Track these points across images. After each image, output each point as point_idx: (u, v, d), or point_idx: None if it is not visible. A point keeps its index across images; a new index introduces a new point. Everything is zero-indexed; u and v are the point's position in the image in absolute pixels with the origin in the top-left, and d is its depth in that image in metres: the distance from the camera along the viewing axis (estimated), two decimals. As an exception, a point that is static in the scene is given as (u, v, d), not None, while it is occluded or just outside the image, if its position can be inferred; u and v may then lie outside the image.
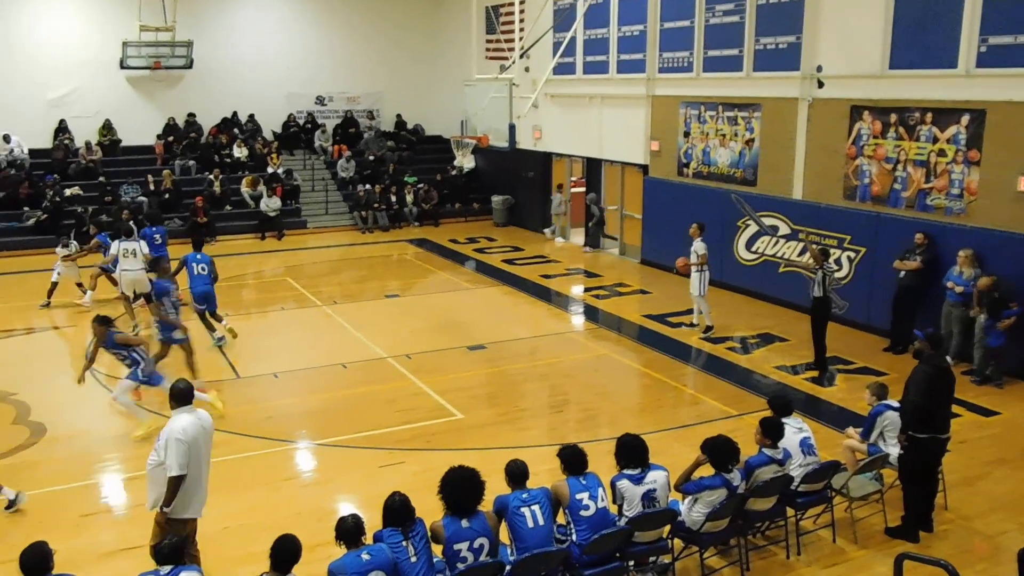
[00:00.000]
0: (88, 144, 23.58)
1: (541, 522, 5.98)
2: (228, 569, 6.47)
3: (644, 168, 18.91)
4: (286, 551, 5.24)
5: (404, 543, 5.50)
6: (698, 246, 13.76)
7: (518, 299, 16.59)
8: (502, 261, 19.79)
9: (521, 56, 19.37)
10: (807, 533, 7.62)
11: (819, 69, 14.49)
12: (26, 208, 21.45)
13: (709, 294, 14.05)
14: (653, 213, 18.70)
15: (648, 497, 6.36)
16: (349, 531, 5.43)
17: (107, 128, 24.30)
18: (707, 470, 6.75)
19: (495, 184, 25.12)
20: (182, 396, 6.38)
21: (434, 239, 22.52)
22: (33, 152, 23.03)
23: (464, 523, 5.69)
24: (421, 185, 24.92)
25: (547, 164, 22.73)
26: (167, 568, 5.17)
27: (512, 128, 15.14)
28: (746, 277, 16.14)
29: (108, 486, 8.87)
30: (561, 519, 6.28)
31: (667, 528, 6.69)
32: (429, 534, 5.68)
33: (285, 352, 13.34)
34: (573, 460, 6.33)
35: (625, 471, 6.44)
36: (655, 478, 6.43)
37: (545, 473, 7.53)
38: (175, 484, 6.11)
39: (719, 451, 6.69)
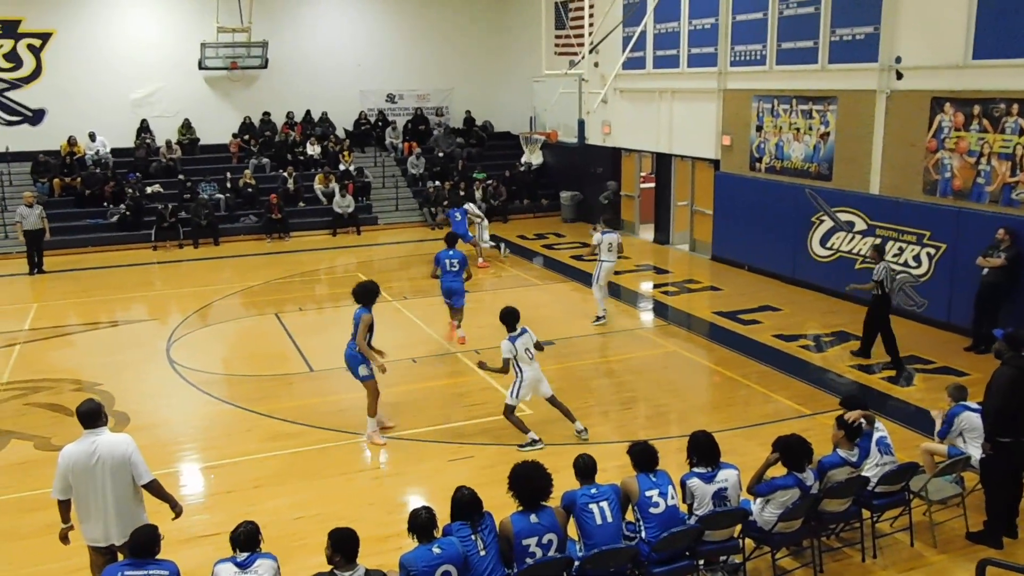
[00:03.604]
0: (168, 143, 24.33)
1: (609, 519, 5.97)
2: (302, 557, 6.61)
3: (715, 163, 18.66)
4: (344, 542, 5.29)
5: (473, 537, 5.55)
6: (595, 238, 14.09)
7: (586, 295, 16.51)
8: (570, 257, 19.75)
9: (591, 51, 19.30)
10: (884, 536, 7.44)
11: (898, 60, 14.09)
12: (109, 205, 22.21)
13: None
14: (724, 209, 18.45)
15: (719, 496, 6.30)
16: (422, 524, 5.50)
17: (186, 127, 25.01)
18: (779, 470, 6.64)
19: (563, 180, 25.08)
20: (84, 418, 6.06)
21: (502, 235, 22.56)
22: (116, 151, 23.85)
23: (533, 518, 5.71)
24: (490, 181, 25.03)
25: (616, 160, 22.59)
26: (244, 555, 5.33)
27: (581, 124, 15.12)
28: (820, 274, 15.80)
29: (187, 474, 9.15)
30: (630, 516, 6.26)
31: (738, 527, 6.60)
32: (498, 528, 5.72)
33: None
34: (643, 457, 6.30)
35: (696, 469, 6.39)
36: (726, 477, 6.35)
37: (613, 469, 7.51)
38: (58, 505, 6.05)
39: (792, 450, 6.58)
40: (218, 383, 11.95)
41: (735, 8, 17.57)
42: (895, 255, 14.14)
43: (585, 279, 17.55)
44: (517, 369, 9.49)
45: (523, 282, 17.96)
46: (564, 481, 6.22)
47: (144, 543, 5.30)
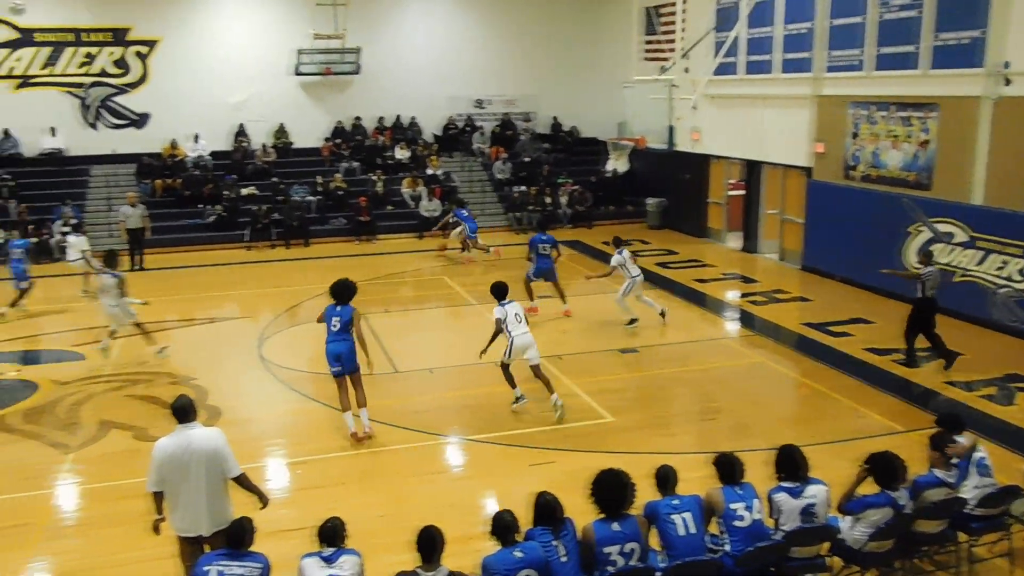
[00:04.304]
0: (264, 146, 25.07)
1: (692, 530, 5.87)
2: (382, 555, 6.68)
3: (807, 171, 18.22)
4: (427, 541, 5.37)
5: (555, 542, 5.53)
6: (615, 259, 14.18)
7: (671, 303, 16.32)
8: (656, 264, 19.54)
9: (682, 56, 19.08)
10: (981, 561, 7.11)
11: (1006, 65, 13.50)
12: (207, 206, 22.99)
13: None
14: (816, 217, 17.99)
15: (807, 512, 6.13)
16: (505, 527, 5.50)
17: (281, 131, 25.71)
18: (871, 487, 6.42)
19: (650, 186, 24.84)
20: (178, 413, 6.27)
21: (587, 241, 22.49)
22: (214, 154, 24.70)
23: (615, 526, 5.66)
24: (575, 187, 24.99)
25: (704, 166, 22.27)
26: (329, 550, 5.43)
27: (671, 130, 14.93)
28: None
29: (274, 468, 9.38)
30: (714, 529, 6.14)
31: (826, 545, 6.41)
32: (579, 535, 5.69)
33: (440, 349, 13.69)
34: (729, 469, 6.18)
35: (783, 483, 6.23)
36: (815, 492, 6.18)
37: (694, 480, 7.37)
38: (152, 497, 6.24)
39: (884, 468, 6.35)
40: (306, 381, 12.22)
41: (832, 12, 17.13)
42: (997, 268, 13.56)
43: (672, 287, 17.39)
44: (507, 332, 10.52)
45: (606, 288, 17.84)
46: (644, 491, 6.14)
47: (240, 535, 5.47)
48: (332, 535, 5.50)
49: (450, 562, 5.43)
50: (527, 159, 26.16)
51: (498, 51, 27.19)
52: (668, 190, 24.04)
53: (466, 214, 20.90)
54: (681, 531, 5.84)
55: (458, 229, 20.80)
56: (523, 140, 27.04)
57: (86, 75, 24.26)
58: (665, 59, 21.01)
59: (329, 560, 5.37)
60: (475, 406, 11.17)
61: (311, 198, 23.65)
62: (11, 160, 23.40)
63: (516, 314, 10.66)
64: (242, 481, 6.32)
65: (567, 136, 27.75)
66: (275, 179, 24.02)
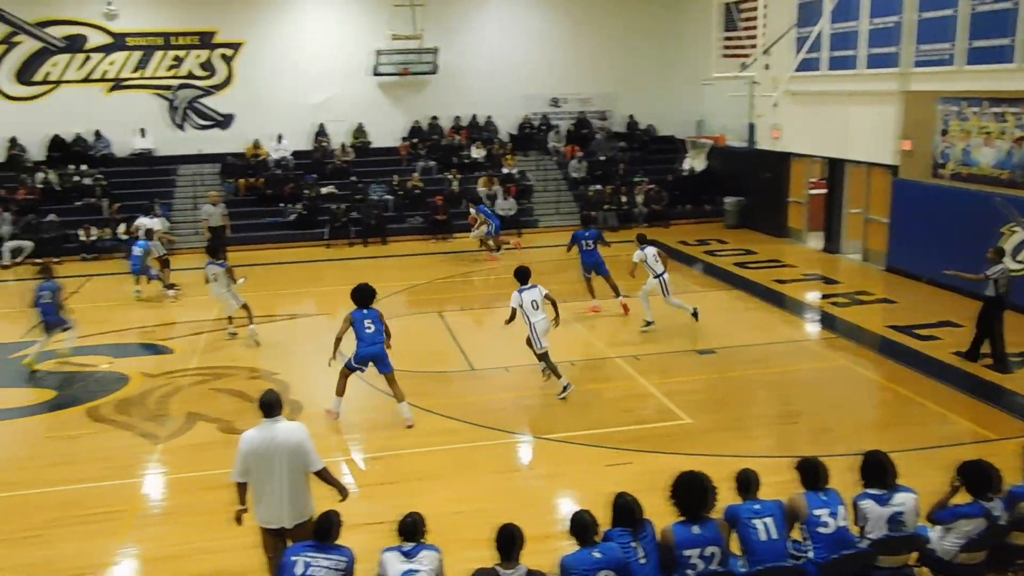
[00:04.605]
0: (343, 146, 25.52)
1: (774, 535, 5.75)
2: (460, 551, 6.72)
3: (893, 169, 17.68)
4: (506, 539, 5.38)
5: (634, 544, 5.48)
6: (637, 255, 13.85)
7: (750, 304, 16.08)
8: (734, 264, 19.24)
9: (763, 53, 18.74)
10: (1080, 576, 6.80)
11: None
12: (287, 204, 23.49)
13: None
14: (902, 217, 17.43)
15: (894, 520, 5.94)
16: (584, 527, 5.48)
17: (359, 131, 26.12)
18: (963, 497, 6.19)
19: (727, 185, 24.42)
20: (265, 407, 6.41)
21: (663, 240, 22.22)
22: (296, 153, 25.24)
23: (695, 529, 5.58)
24: (651, 186, 24.76)
25: (784, 165, 21.81)
26: (409, 545, 5.49)
27: (751, 127, 14.64)
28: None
29: (349, 463, 9.51)
30: (797, 535, 6.01)
31: (914, 555, 6.21)
32: (658, 537, 5.63)
33: (515, 347, 13.66)
34: (813, 474, 6.03)
35: (869, 490, 6.05)
36: (903, 500, 5.99)
37: (774, 485, 7.21)
38: (237, 488, 6.39)
39: (977, 477, 6.12)
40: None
41: (921, 5, 16.58)
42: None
43: (750, 287, 17.09)
44: (526, 319, 10.94)
45: (683, 288, 17.61)
46: (722, 494, 6.04)
47: (327, 528, 5.57)
48: (412, 530, 5.56)
49: (528, 560, 5.43)
50: (602, 158, 26.03)
51: (575, 49, 27.11)
52: (747, 189, 23.62)
53: (489, 211, 21.00)
54: (763, 536, 5.73)
55: (481, 228, 20.68)
56: (599, 139, 26.91)
57: (174, 77, 25.06)
58: (745, 56, 20.64)
59: (409, 555, 5.43)
60: (551, 405, 11.16)
61: (388, 197, 23.97)
62: (104, 160, 24.33)
63: (533, 301, 11.10)
64: (323, 475, 6.44)
65: (643, 134, 27.51)
66: (354, 178, 24.42)
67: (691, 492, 5.66)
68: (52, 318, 13.00)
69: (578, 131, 27.14)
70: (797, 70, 19.34)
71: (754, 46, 19.03)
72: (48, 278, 13.19)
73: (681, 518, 5.67)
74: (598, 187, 24.61)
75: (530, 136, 27.00)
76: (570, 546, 5.54)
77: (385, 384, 10.65)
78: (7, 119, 24.00)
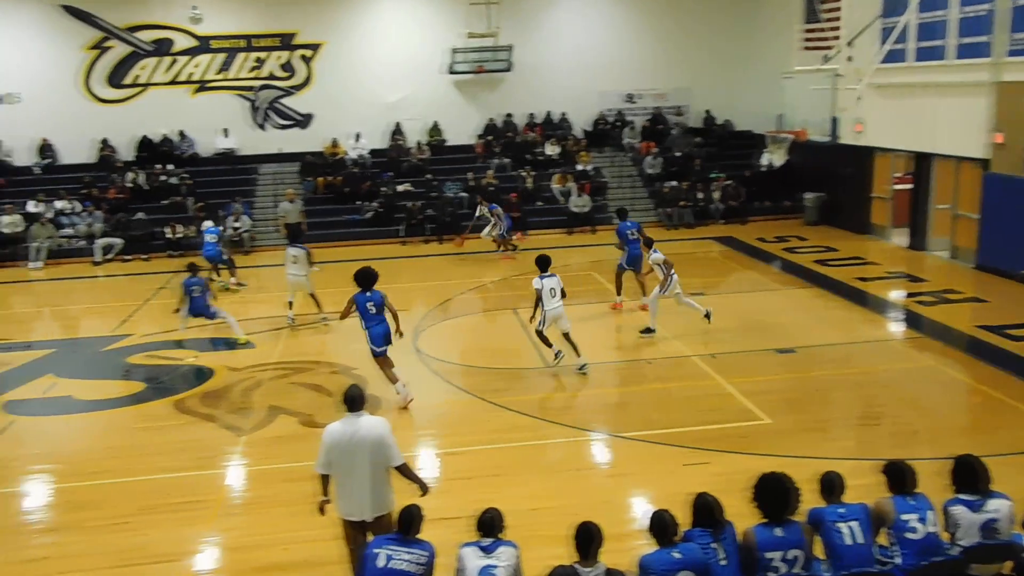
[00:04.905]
0: (418, 144, 25.78)
1: (860, 540, 5.60)
2: (537, 548, 6.72)
3: (984, 163, 17.03)
4: (585, 537, 5.36)
5: (714, 545, 5.40)
6: (653, 258, 13.64)
7: (831, 302, 15.68)
8: (814, 262, 18.78)
9: (847, 45, 18.25)
10: None
11: None
12: (364, 202, 23.85)
13: None
14: (994, 212, 16.76)
15: (988, 527, 5.72)
16: (663, 527, 5.41)
17: (435, 129, 26.35)
18: (1062, 504, 5.94)
19: (808, 181, 23.82)
20: (349, 401, 6.50)
21: (740, 237, 21.91)
22: (372, 152, 25.61)
23: (777, 531, 5.47)
24: (728, 181, 24.37)
25: (867, 159, 21.21)
26: (488, 540, 5.51)
27: (834, 121, 14.26)
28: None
29: (425, 458, 9.61)
30: (883, 540, 5.84)
31: (1010, 564, 5.97)
32: (740, 539, 5.54)
33: (590, 344, 13.61)
34: (900, 477, 5.85)
35: (961, 495, 5.84)
36: (997, 507, 5.76)
37: (857, 488, 7.01)
38: (320, 479, 6.51)
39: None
40: (459, 373, 12.49)
41: (1015, -8, 15.95)
42: None
43: (831, 285, 16.67)
44: (542, 304, 11.80)
45: (761, 286, 17.35)
46: (803, 497, 5.91)
47: (409, 521, 5.64)
48: (490, 526, 5.58)
49: (605, 559, 5.40)
50: (678, 154, 25.71)
51: (650, 44, 26.83)
52: (828, 184, 23.02)
53: (501, 210, 20.85)
54: (848, 540, 5.58)
55: (492, 227, 20.67)
56: (674, 134, 26.59)
57: (256, 79, 25.67)
58: (828, 48, 20.12)
59: (487, 550, 5.45)
60: (626, 403, 11.12)
61: (463, 194, 24.12)
62: (189, 160, 25.09)
63: (552, 288, 11.86)
64: (403, 470, 6.53)
65: (720, 129, 27.07)
66: (429, 176, 24.65)
67: (773, 493, 5.55)
68: (203, 309, 13.83)
69: (653, 127, 26.86)
70: (882, 62, 18.77)
71: (837, 38, 18.52)
72: (194, 274, 14.00)
73: (763, 520, 5.56)
74: (674, 183, 24.33)
75: (605, 133, 26.84)
76: (648, 545, 5.49)
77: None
78: (99, 121, 24.95)
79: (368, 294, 10.83)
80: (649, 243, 14.26)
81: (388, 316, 10.92)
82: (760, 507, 5.58)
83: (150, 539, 7.96)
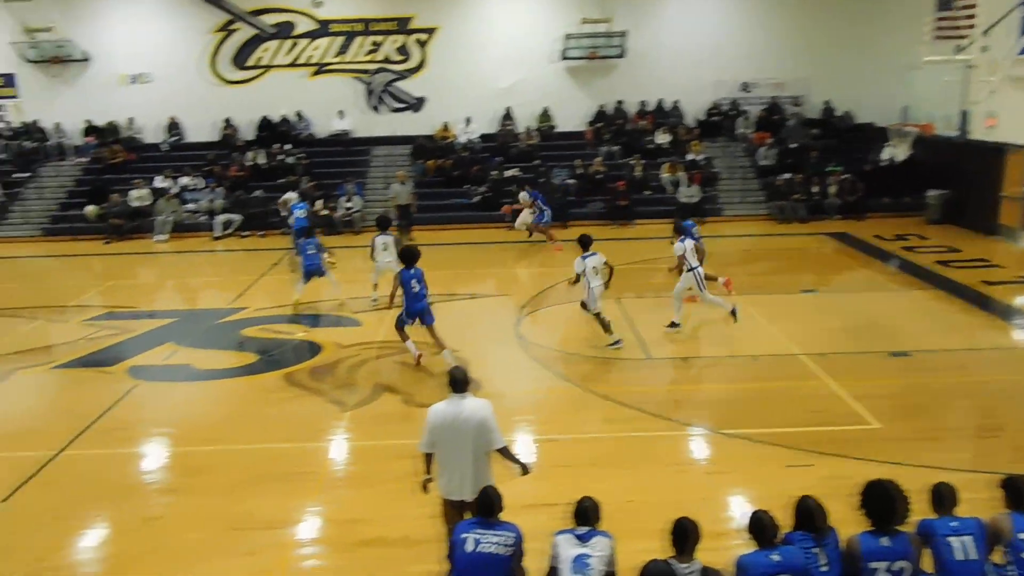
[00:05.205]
0: (528, 129, 25.84)
1: (972, 556, 5.36)
2: (632, 541, 6.66)
3: None
4: (681, 533, 5.31)
5: (816, 550, 5.26)
6: (678, 247, 13.20)
7: (952, 305, 14.98)
8: (935, 262, 17.95)
9: (983, 34, 17.32)
10: None
11: None
12: (472, 186, 24.08)
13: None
14: None
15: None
16: (763, 528, 5.31)
17: (545, 115, 26.35)
18: None
19: (932, 177, 22.73)
20: (455, 383, 6.59)
21: (856, 234, 21.13)
22: (482, 136, 25.84)
23: (884, 541, 5.28)
24: (846, 175, 23.52)
25: (998, 156, 20.08)
26: (583, 529, 5.51)
27: (964, 115, 13.58)
28: None
29: (524, 443, 9.66)
30: (998, 558, 5.57)
31: None
32: (845, 545, 5.38)
33: (695, 338, 13.46)
34: (1020, 494, 5.56)
35: (1085, 516, 5.52)
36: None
37: (969, 502, 6.70)
38: (423, 458, 6.65)
39: None
40: (559, 360, 12.51)
41: None
42: None
43: (952, 288, 15.91)
44: (587, 283, 12.20)
45: (877, 286, 16.72)
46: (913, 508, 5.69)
47: (490, 504, 5.70)
48: (586, 515, 5.58)
49: (701, 557, 5.33)
50: (794, 145, 24.95)
51: (769, 32, 26.06)
52: (954, 181, 21.91)
53: (543, 199, 20.79)
54: (959, 556, 5.35)
55: (528, 215, 20.51)
56: (790, 125, 25.79)
57: (372, 62, 26.21)
58: (961, 37, 19.13)
59: (582, 539, 5.46)
60: (729, 400, 10.91)
61: (571, 181, 24.07)
62: (305, 140, 25.86)
63: (594, 267, 12.38)
64: (505, 452, 6.61)
65: (839, 121, 26.11)
66: (537, 162, 24.69)
67: (882, 501, 5.36)
68: (316, 268, 15.06)
69: (769, 117, 26.13)
70: (1020, 53, 17.73)
71: (971, 27, 17.57)
72: (310, 235, 15.49)
73: (869, 528, 5.38)
74: (788, 176, 23.65)
75: (718, 122, 26.27)
76: (746, 546, 5.40)
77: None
78: (223, 101, 25.99)
79: (412, 271, 11.60)
80: (679, 230, 13.86)
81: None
82: (867, 515, 5.40)
83: (258, 506, 8.28)
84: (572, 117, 26.30)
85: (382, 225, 15.56)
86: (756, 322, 13.95)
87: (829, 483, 7.82)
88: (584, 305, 12.57)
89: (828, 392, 10.85)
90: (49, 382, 12.29)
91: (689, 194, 23.26)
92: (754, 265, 19.00)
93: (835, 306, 14.99)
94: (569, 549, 5.44)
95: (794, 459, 8.97)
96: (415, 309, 11.69)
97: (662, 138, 25.49)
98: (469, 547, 5.50)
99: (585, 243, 12.62)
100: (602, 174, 24.00)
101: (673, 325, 13.36)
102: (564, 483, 8.23)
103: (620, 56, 25.70)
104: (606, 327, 12.53)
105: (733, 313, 13.44)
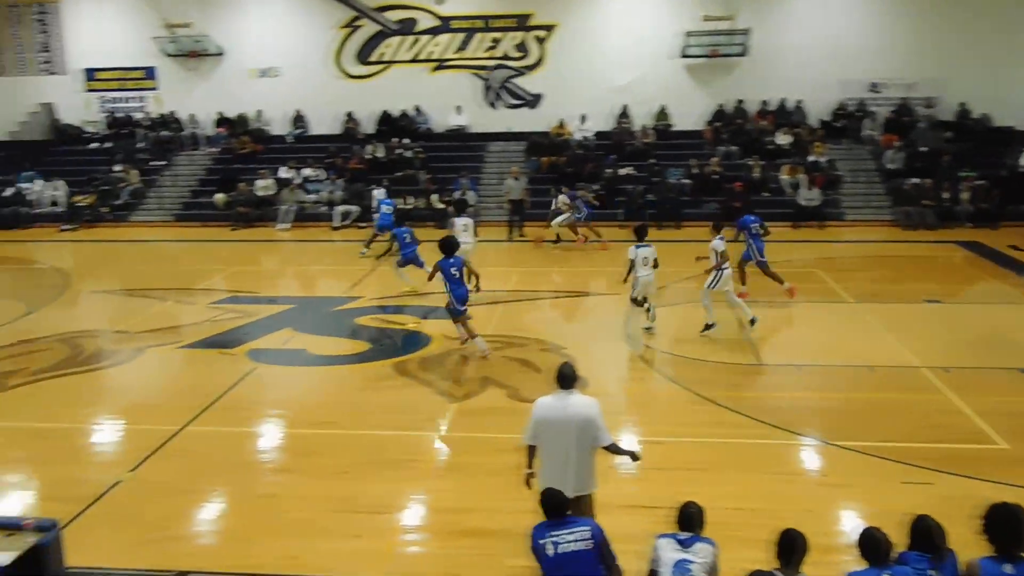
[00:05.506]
0: (643, 128, 25.59)
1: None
2: (735, 549, 6.51)
3: None
4: (788, 544, 5.16)
5: (932, 572, 5.02)
6: (715, 244, 12.93)
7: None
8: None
9: None
10: None
11: None
12: (586, 184, 23.96)
13: None
14: None
15: None
16: (876, 545, 5.09)
17: (661, 113, 26.04)
18: None
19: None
20: (563, 379, 6.60)
21: (989, 243, 20.04)
22: (597, 134, 25.75)
23: (1007, 568, 4.97)
24: (981, 181, 22.32)
25: None
26: (685, 534, 5.42)
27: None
28: None
29: (627, 444, 9.53)
30: None
31: None
32: (963, 569, 5.11)
33: (808, 345, 13.06)
34: None
35: None
36: None
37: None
38: (526, 451, 6.64)
39: None
40: (667, 362, 12.37)
41: None
42: None
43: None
44: (635, 272, 12.90)
45: (1010, 298, 15.82)
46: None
47: (555, 503, 5.64)
48: (690, 520, 5.49)
49: (808, 571, 5.17)
50: (924, 149, 23.85)
51: (900, 29, 25.01)
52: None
53: (581, 199, 20.90)
54: (1090, 588, 5.00)
55: (564, 216, 20.30)
56: (921, 127, 24.66)
57: (491, 58, 26.49)
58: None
59: (684, 544, 5.37)
60: (843, 410, 10.52)
61: (686, 181, 23.71)
62: (423, 135, 26.36)
63: (645, 257, 12.94)
64: (612, 449, 6.59)
65: (976, 124, 24.78)
66: (652, 160, 24.42)
67: (1007, 526, 5.05)
68: (413, 257, 15.68)
69: (898, 119, 25.05)
70: None
71: None
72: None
73: (992, 553, 5.10)
74: (916, 181, 22.63)
75: (843, 124, 25.33)
76: (856, 563, 5.20)
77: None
78: (346, 96, 26.80)
79: (451, 259, 12.03)
80: (717, 228, 13.53)
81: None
82: (990, 539, 5.11)
83: (365, 490, 8.49)
84: (690, 116, 25.90)
85: (460, 208, 16.29)
86: (874, 331, 13.43)
87: (949, 503, 7.47)
88: (635, 300, 13.26)
89: (950, 407, 10.34)
90: (176, 360, 12.93)
91: (809, 197, 22.57)
92: (875, 272, 18.27)
93: (962, 318, 14.27)
94: (670, 553, 5.36)
95: (911, 476, 8.58)
96: (460, 294, 12.08)
97: (783, 139, 24.81)
98: (550, 551, 5.47)
99: (640, 233, 13.22)
100: (718, 174, 23.55)
101: (708, 327, 13.16)
102: (667, 486, 8.15)
103: (742, 54, 25.14)
104: (644, 307, 13.23)
105: (752, 322, 13.28)
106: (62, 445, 9.79)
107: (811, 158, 23.97)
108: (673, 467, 8.88)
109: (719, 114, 25.82)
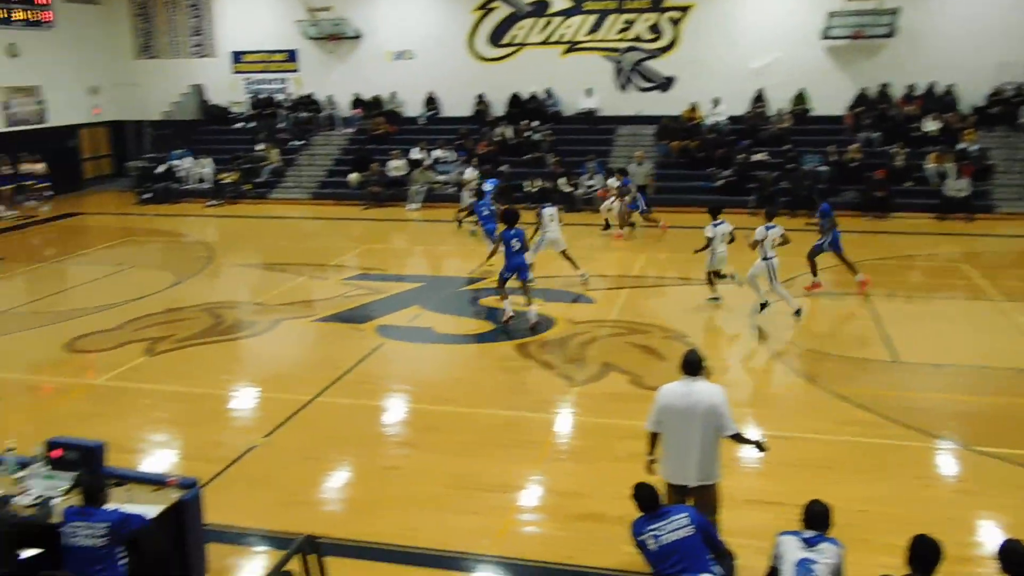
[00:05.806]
0: (780, 112, 24.74)
1: None
2: (862, 552, 6.31)
3: None
4: (922, 552, 4.92)
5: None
6: (760, 232, 12.97)
7: None
8: None
9: None
10: None
11: None
12: (717, 169, 23.48)
13: None
14: None
15: None
16: (1020, 559, 4.75)
17: (800, 98, 25.09)
18: None
19: None
20: (688, 365, 6.54)
21: None
22: (731, 118, 25.06)
23: None
24: None
25: None
26: (811, 533, 5.26)
27: None
28: None
29: (753, 434, 9.33)
30: None
31: None
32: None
33: (950, 344, 12.37)
34: None
35: None
36: None
37: None
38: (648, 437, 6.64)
39: None
40: (796, 356, 12.01)
41: None
42: None
43: None
44: (713, 248, 13.58)
45: None
46: None
47: (647, 498, 5.71)
48: (816, 519, 5.32)
49: (941, 582, 4.94)
50: (1090, 137, 22.15)
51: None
52: None
53: (635, 187, 20.52)
54: None
55: (613, 202, 19.89)
56: (1090, 114, 22.86)
57: (622, 40, 26.15)
58: None
59: (809, 543, 5.21)
60: (985, 414, 9.95)
61: (823, 168, 22.82)
62: (552, 117, 26.35)
63: (723, 233, 13.57)
64: (737, 438, 6.50)
65: None
66: (788, 146, 23.62)
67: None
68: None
69: (1064, 105, 23.30)
70: None
71: None
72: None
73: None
74: (1079, 171, 21.07)
75: (999, 110, 23.75)
76: (995, 574, 4.92)
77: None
78: (478, 77, 27.05)
79: (513, 231, 12.73)
80: (769, 216, 13.45)
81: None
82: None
83: (484, 469, 8.63)
84: (830, 100, 24.79)
85: (543, 197, 16.74)
86: (1021, 331, 12.63)
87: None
88: (713, 276, 13.85)
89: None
90: (309, 333, 13.46)
91: (957, 187, 21.31)
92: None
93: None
94: (794, 551, 5.21)
95: (1060, 488, 8.06)
96: (515, 263, 12.78)
97: (930, 125, 23.47)
98: (652, 545, 5.51)
99: (715, 212, 13.87)
100: (858, 162, 22.54)
101: (764, 306, 13.30)
102: (792, 483, 7.95)
103: (888, 35, 23.88)
104: (722, 277, 13.96)
105: (797, 313, 13.13)
106: (203, 408, 10.37)
107: (961, 146, 22.59)
108: (799, 464, 8.63)
109: (861, 98, 24.64)
